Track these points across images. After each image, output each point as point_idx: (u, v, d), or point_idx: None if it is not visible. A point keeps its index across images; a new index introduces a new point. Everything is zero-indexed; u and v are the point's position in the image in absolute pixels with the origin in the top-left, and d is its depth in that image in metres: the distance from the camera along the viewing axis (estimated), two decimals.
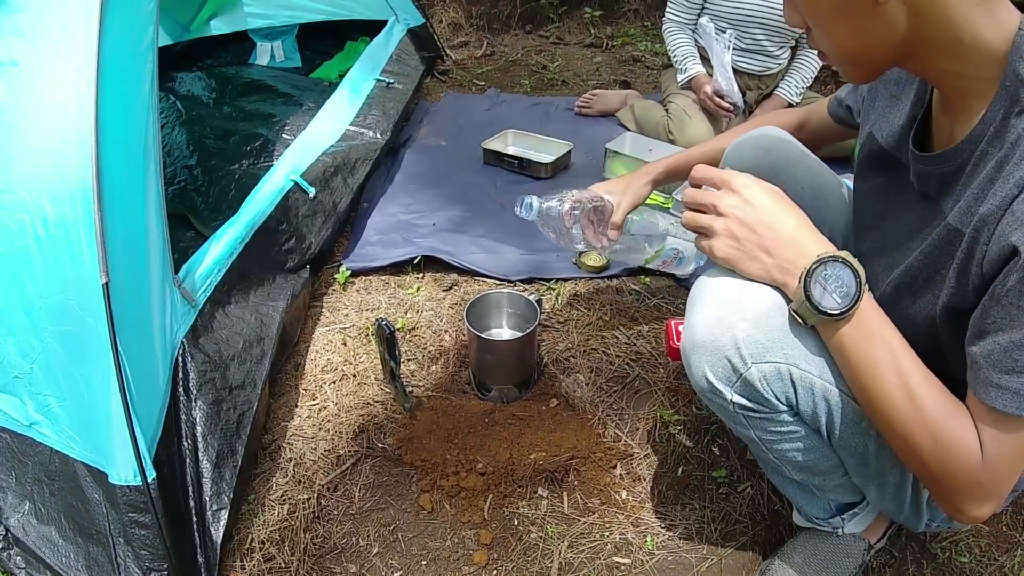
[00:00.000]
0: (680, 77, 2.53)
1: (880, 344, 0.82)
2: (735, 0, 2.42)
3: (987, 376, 0.73)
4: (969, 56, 0.74)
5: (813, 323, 0.86)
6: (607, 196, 1.34)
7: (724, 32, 2.45)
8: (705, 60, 2.55)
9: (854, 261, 0.82)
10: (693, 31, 2.57)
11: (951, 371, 0.83)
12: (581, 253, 1.97)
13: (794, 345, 0.88)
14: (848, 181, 2.11)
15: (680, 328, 1.01)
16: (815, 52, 2.68)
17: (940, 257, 0.80)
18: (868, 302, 0.83)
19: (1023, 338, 0.69)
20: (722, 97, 2.43)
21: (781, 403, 0.92)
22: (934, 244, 0.81)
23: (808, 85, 2.57)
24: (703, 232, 0.93)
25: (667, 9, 2.59)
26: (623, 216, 1.33)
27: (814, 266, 0.82)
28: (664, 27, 2.61)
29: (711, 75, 2.47)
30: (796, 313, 0.86)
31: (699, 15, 2.53)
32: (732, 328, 0.88)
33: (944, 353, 0.84)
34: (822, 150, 2.40)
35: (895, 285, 0.89)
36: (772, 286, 0.88)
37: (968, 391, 0.78)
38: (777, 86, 2.61)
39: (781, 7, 2.66)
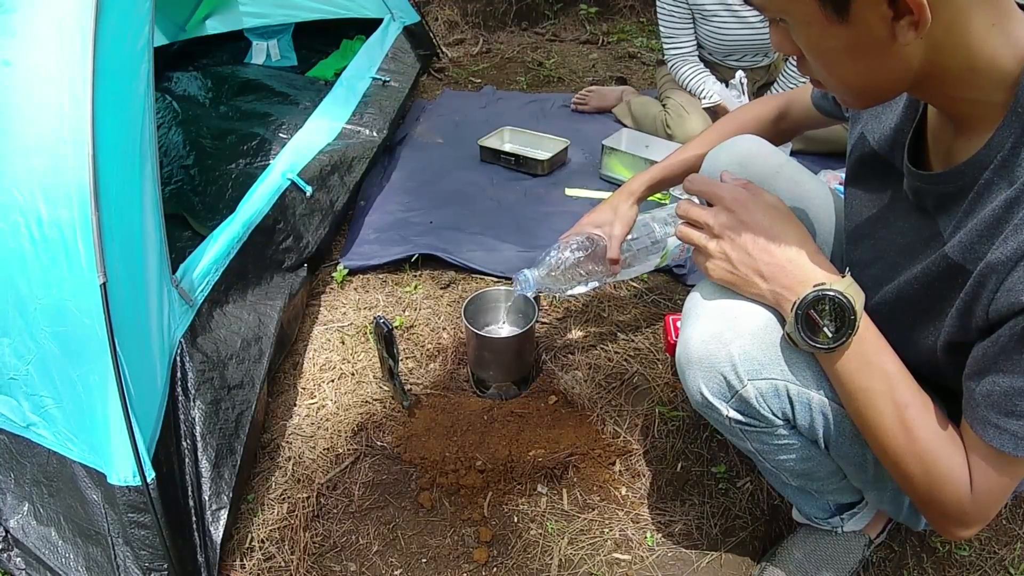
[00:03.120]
0: (704, 103, 2.50)
1: (877, 374, 0.81)
2: (726, 34, 2.46)
3: (985, 415, 0.73)
4: (981, 82, 0.69)
5: (806, 350, 0.85)
6: (596, 231, 1.31)
7: (734, 75, 2.47)
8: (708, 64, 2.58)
9: (851, 293, 0.80)
10: (694, 54, 2.57)
11: (948, 383, 0.83)
12: None
13: (791, 361, 0.87)
14: (834, 178, 2.12)
15: (678, 324, 1.00)
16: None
17: (940, 290, 0.78)
18: (867, 329, 0.82)
19: (1023, 386, 0.69)
20: None
21: (778, 418, 0.92)
22: (933, 275, 0.79)
23: (799, 84, 2.56)
24: (698, 250, 0.92)
25: (665, 47, 2.57)
26: (619, 250, 1.30)
27: (809, 295, 0.81)
28: (670, 65, 2.58)
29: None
30: (789, 337, 0.85)
31: (696, 42, 2.54)
32: (728, 345, 0.87)
33: (941, 371, 0.83)
34: (822, 146, 2.40)
35: (890, 305, 0.87)
36: None
37: (963, 420, 0.77)
38: (775, 80, 2.61)
39: (767, 32, 2.65)
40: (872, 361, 0.82)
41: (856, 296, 0.80)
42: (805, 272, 0.84)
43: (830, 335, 0.81)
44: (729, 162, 1.15)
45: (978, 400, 0.73)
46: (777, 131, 1.26)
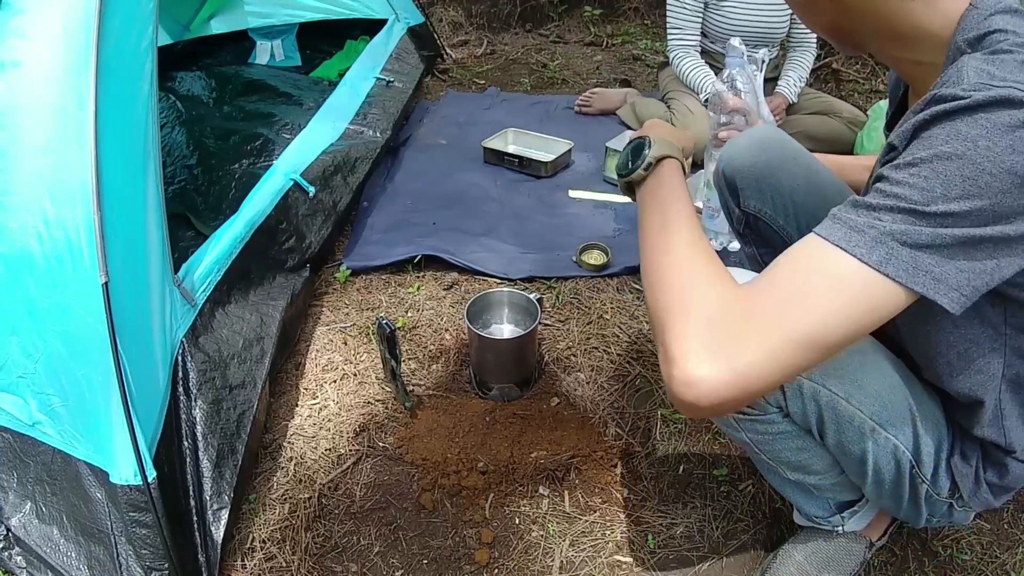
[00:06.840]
0: (702, 96, 2.51)
1: (659, 205, 0.85)
2: (735, 20, 2.46)
3: (832, 213, 0.67)
4: (915, 46, 0.76)
5: (622, 182, 0.95)
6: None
7: (758, 52, 2.43)
8: (708, 58, 2.57)
9: (656, 139, 0.92)
10: (699, 49, 2.57)
11: (941, 382, 0.84)
12: (582, 251, 1.97)
13: None
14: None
15: None
16: (807, 49, 2.61)
17: None
18: (674, 177, 0.88)
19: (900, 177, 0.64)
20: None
21: (771, 406, 0.93)
22: None
23: (804, 81, 2.59)
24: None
25: (669, 38, 2.58)
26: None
27: (632, 141, 0.96)
28: (672, 56, 2.59)
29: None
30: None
31: (702, 33, 2.54)
32: None
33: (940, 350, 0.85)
34: (823, 145, 2.41)
35: None
36: None
37: None
38: (778, 76, 2.62)
39: (775, 22, 2.65)
40: (662, 197, 0.86)
41: (660, 144, 0.91)
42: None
43: (630, 166, 0.93)
44: (749, 147, 1.22)
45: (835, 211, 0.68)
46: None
